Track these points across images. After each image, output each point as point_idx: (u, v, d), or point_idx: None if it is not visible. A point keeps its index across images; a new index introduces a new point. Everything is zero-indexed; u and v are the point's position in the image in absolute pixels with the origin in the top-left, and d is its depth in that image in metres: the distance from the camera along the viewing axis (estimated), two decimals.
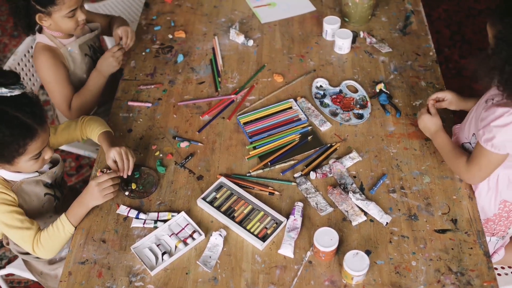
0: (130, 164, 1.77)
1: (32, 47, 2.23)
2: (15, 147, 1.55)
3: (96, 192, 1.69)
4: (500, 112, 1.56)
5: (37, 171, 1.73)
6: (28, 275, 2.00)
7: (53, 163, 1.81)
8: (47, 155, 1.66)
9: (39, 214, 1.80)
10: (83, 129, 1.91)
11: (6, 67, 2.15)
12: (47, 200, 1.81)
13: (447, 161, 1.79)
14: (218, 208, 1.74)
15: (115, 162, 1.77)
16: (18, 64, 2.21)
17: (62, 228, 1.68)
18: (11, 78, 1.55)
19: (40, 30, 2.09)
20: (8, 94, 1.53)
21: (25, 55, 2.26)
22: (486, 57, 1.56)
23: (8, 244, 1.90)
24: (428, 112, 1.85)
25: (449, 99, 1.89)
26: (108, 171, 1.78)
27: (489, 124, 1.58)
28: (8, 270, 2.03)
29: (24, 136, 1.55)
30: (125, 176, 1.77)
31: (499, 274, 1.94)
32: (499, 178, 1.73)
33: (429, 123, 1.83)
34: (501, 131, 1.56)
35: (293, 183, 1.81)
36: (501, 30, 1.51)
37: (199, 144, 1.94)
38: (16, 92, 1.54)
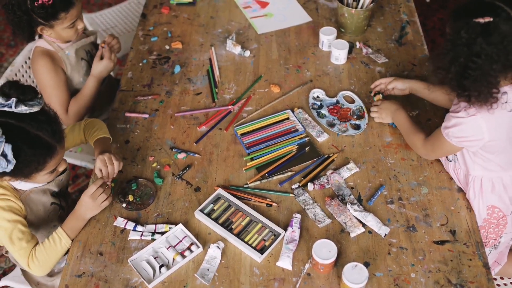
0: (115, 169, 1.75)
1: (29, 58, 2.23)
2: (35, 165, 1.56)
3: (91, 204, 1.69)
4: (462, 105, 1.63)
5: None
6: (23, 287, 1.98)
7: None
8: (62, 167, 1.68)
9: (44, 224, 1.81)
10: (84, 132, 1.91)
11: (3, 77, 2.15)
12: (52, 209, 1.81)
13: (405, 136, 1.89)
14: (216, 220, 1.73)
15: (101, 170, 1.76)
16: (16, 74, 2.20)
17: (59, 241, 1.67)
18: (30, 94, 1.52)
19: (39, 36, 2.11)
20: (28, 111, 1.50)
21: (22, 66, 2.25)
22: (436, 56, 1.66)
23: (7, 252, 1.89)
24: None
25: (396, 86, 2.03)
26: (96, 180, 1.77)
27: (450, 113, 1.66)
28: (3, 282, 2.02)
29: (44, 155, 1.56)
30: (109, 183, 1.75)
31: (498, 285, 1.93)
32: (483, 183, 1.74)
33: (390, 105, 1.96)
34: (456, 124, 1.63)
35: (291, 195, 1.80)
36: (450, 33, 1.60)
37: (197, 155, 1.93)
38: (35, 108, 1.51)
